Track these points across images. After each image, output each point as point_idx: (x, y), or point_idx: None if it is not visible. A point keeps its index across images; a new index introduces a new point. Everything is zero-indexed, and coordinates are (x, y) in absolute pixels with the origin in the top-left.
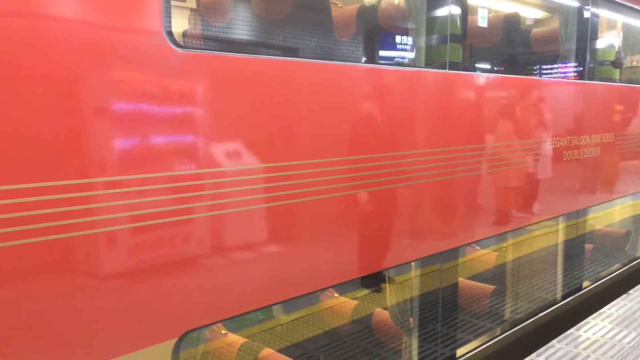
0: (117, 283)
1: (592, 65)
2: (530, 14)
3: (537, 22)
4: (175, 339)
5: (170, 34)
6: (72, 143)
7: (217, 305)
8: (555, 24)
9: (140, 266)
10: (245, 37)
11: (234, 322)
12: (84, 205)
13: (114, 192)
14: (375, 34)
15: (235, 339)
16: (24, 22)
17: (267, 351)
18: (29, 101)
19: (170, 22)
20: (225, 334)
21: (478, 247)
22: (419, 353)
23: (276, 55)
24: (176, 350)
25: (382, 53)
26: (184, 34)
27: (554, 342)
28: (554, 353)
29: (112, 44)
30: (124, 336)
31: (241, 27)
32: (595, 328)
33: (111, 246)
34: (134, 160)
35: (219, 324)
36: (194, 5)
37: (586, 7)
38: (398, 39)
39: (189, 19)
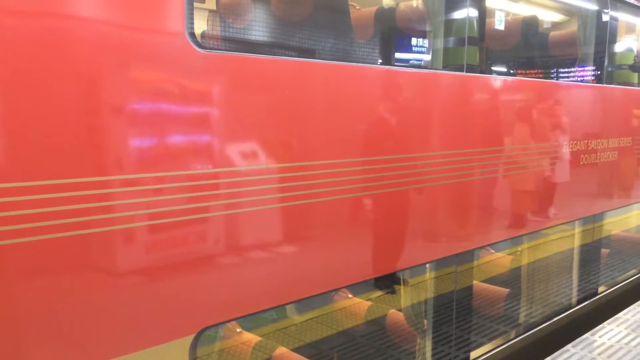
0: (137, 280)
1: (610, 69)
2: (548, 17)
3: (555, 26)
4: (193, 336)
5: (192, 35)
6: (96, 141)
7: (233, 303)
8: (573, 28)
9: (159, 264)
10: (264, 39)
11: (249, 321)
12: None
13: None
14: (393, 36)
15: (250, 337)
16: (54, 23)
17: (281, 350)
18: (58, 100)
19: (192, 23)
20: (240, 332)
21: (493, 251)
22: (433, 355)
23: (295, 56)
24: (193, 346)
25: (399, 55)
26: (203, 35)
27: (568, 346)
28: (569, 357)
29: (140, 44)
30: (143, 331)
31: (261, 28)
32: (610, 333)
33: (131, 244)
34: (161, 158)
35: (234, 322)
36: (212, 7)
37: (605, 11)
38: (415, 41)
39: (207, 20)
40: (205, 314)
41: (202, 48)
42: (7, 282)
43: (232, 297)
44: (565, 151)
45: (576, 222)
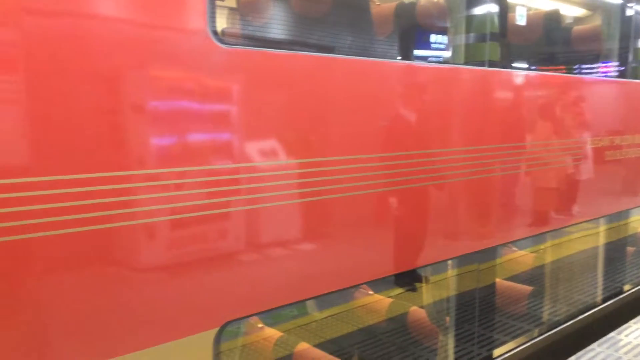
0: (162, 275)
1: (635, 65)
2: (571, 11)
3: (578, 20)
4: (217, 329)
5: (214, 32)
6: (123, 137)
7: (256, 298)
8: (597, 22)
9: (184, 259)
10: (283, 35)
11: (271, 317)
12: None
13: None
14: (413, 31)
15: (272, 333)
16: (87, 23)
17: (302, 346)
18: (93, 98)
19: (214, 21)
20: (262, 327)
21: (515, 248)
22: (455, 352)
23: (316, 52)
24: (217, 340)
25: (420, 50)
26: (223, 32)
27: (594, 345)
28: (594, 357)
29: (167, 42)
30: (169, 325)
31: (280, 24)
32: (637, 332)
33: (159, 238)
34: (185, 153)
35: (256, 318)
36: (233, 5)
37: (629, 5)
38: (435, 36)
39: (227, 18)
40: (228, 308)
41: (224, 44)
42: (33, 275)
43: (254, 292)
44: (590, 147)
45: (601, 219)
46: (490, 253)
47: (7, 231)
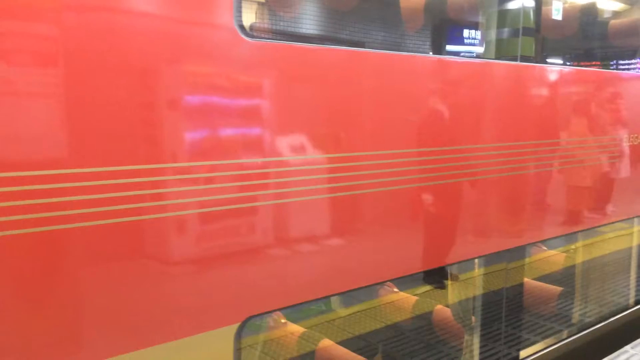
0: (187, 268)
1: None
2: (608, 5)
3: (616, 14)
4: (238, 324)
5: (241, 27)
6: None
7: (278, 293)
8: (636, 16)
9: (207, 253)
10: (311, 29)
11: (295, 313)
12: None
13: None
14: (444, 25)
15: (295, 328)
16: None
17: (325, 342)
18: (125, 92)
19: (240, 15)
20: (285, 323)
21: (545, 248)
22: (481, 352)
23: (345, 46)
24: (238, 335)
25: (451, 44)
26: (251, 27)
27: (627, 347)
28: (628, 359)
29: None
30: (190, 319)
31: (308, 18)
32: None
33: (181, 233)
34: (215, 147)
35: (279, 313)
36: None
37: None
38: (467, 31)
39: (256, 12)
40: (250, 303)
41: (250, 37)
42: (67, 266)
43: (277, 287)
44: (627, 145)
45: (635, 219)
46: (519, 252)
47: (51, 221)
